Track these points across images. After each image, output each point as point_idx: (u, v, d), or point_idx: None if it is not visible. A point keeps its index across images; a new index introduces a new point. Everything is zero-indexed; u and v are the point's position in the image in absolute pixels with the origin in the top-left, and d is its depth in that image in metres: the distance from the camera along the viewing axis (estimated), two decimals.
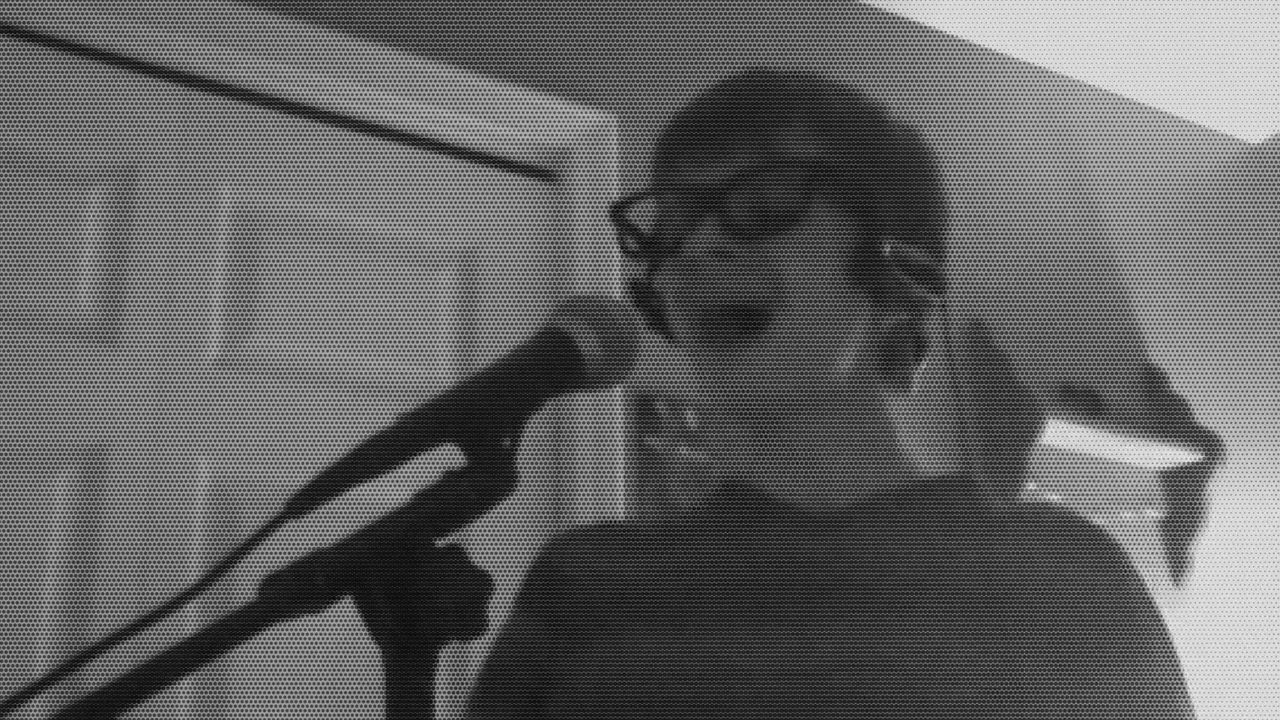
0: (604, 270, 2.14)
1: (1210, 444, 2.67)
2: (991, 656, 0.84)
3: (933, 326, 1.01)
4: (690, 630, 0.89)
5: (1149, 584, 0.95)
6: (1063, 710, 0.84)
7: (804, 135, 0.95)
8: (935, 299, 0.97)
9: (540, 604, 0.99)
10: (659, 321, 0.99)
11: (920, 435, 1.05)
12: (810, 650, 0.86)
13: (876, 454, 0.98)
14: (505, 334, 0.84)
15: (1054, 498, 2.48)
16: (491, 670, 0.99)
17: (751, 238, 0.92)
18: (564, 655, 0.93)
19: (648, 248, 0.99)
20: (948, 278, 0.99)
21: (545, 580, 1.00)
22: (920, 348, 1.02)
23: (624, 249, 1.01)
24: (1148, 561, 2.60)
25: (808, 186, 0.93)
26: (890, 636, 0.86)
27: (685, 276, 0.94)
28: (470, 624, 0.62)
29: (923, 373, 1.03)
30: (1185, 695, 0.92)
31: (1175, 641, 0.94)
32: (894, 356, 1.00)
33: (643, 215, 1.01)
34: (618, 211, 1.00)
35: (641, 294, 1.00)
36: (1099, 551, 0.94)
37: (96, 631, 1.64)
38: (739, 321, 0.92)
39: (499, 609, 0.65)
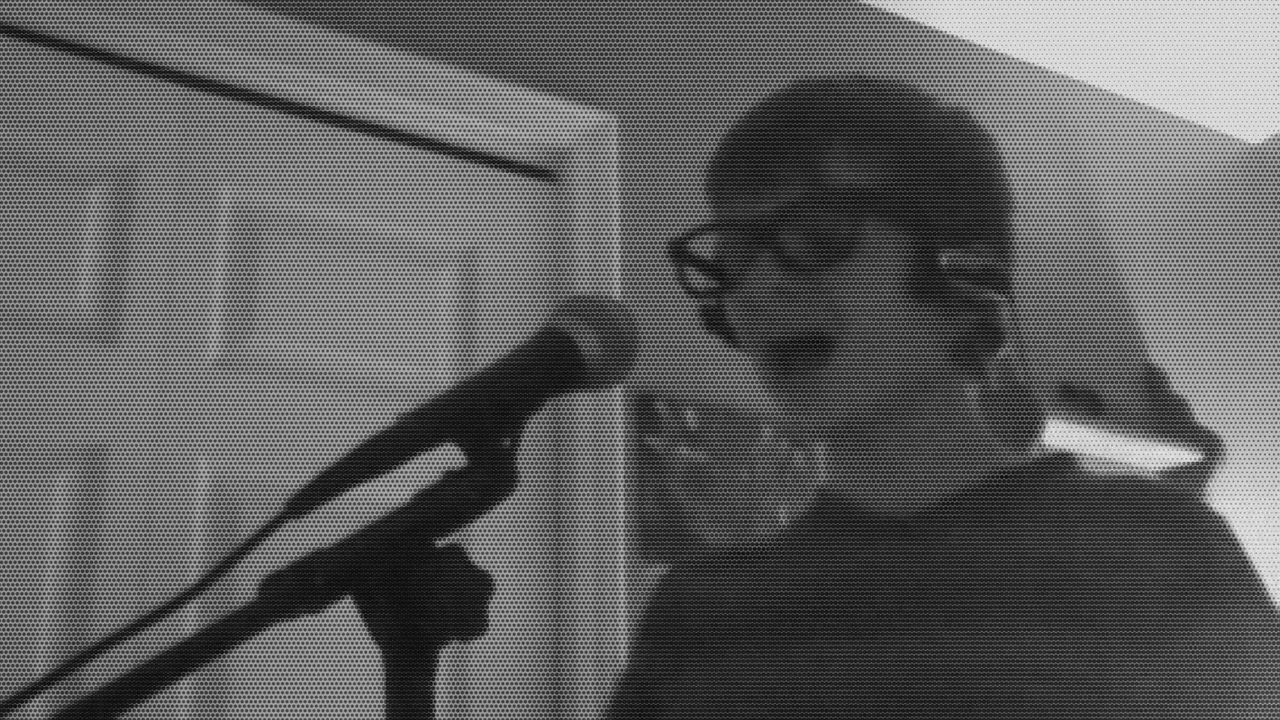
0: (604, 270, 2.14)
1: (1210, 444, 2.67)
2: (1088, 649, 0.83)
3: (1004, 317, 0.99)
4: (788, 647, 0.90)
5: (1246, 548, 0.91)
6: (1163, 696, 0.83)
7: (848, 157, 0.94)
8: (1001, 298, 0.95)
9: (660, 640, 1.01)
10: (735, 340, 1.00)
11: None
12: (902, 656, 0.86)
13: (960, 450, 0.97)
14: (505, 334, 0.84)
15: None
16: (616, 711, 1.02)
17: (807, 272, 0.92)
18: (674, 683, 0.95)
19: (713, 283, 0.99)
20: (1012, 271, 0.98)
21: (662, 616, 1.03)
22: (994, 339, 0.99)
23: (685, 287, 1.00)
24: None
25: (856, 215, 0.92)
26: (978, 637, 0.85)
27: (748, 314, 0.95)
28: (470, 624, 0.62)
29: (999, 361, 1.01)
30: None
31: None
32: (967, 352, 0.98)
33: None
34: (677, 248, 1.00)
35: (713, 319, 1.00)
36: (1194, 525, 0.90)
37: (96, 631, 1.64)
38: (804, 351, 0.93)
39: (499, 609, 0.65)
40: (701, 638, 0.96)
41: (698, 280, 1.00)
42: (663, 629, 1.02)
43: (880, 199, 0.93)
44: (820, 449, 1.03)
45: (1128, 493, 0.94)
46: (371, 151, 2.13)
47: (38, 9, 1.89)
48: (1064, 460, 0.99)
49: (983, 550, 0.90)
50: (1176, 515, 0.91)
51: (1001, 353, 1.00)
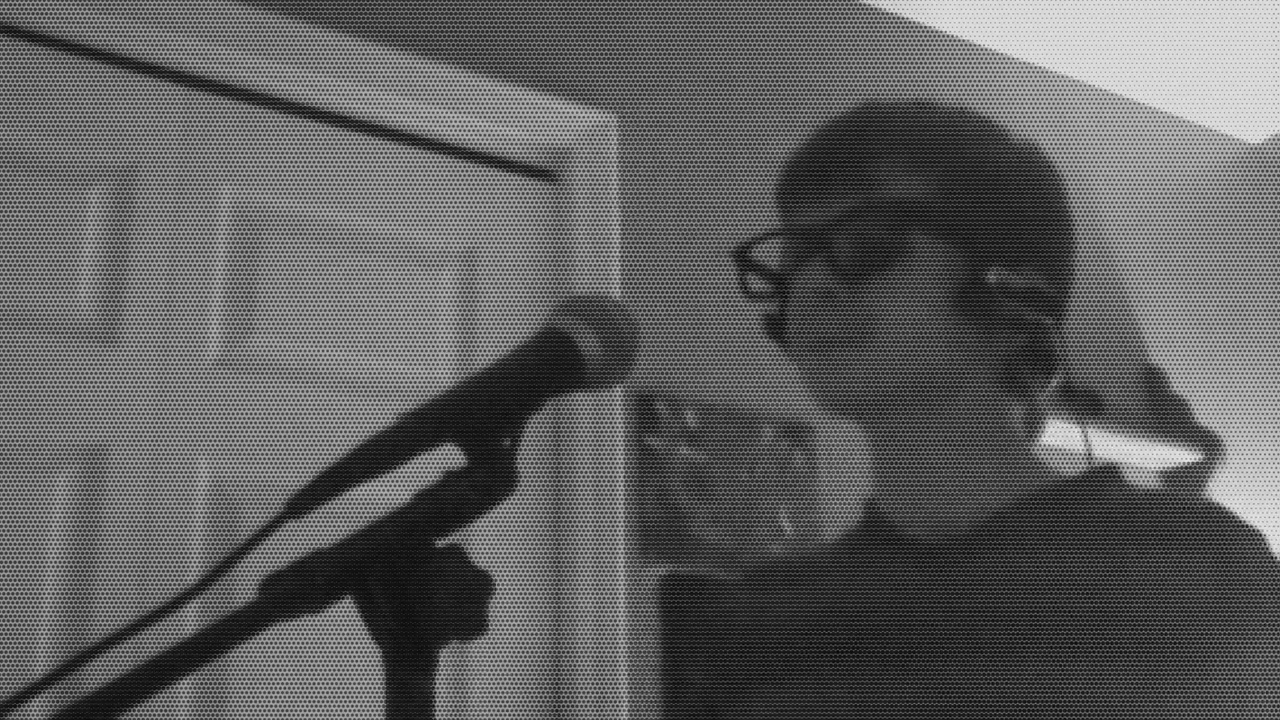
0: (604, 270, 2.14)
1: (1210, 444, 2.67)
2: (1127, 679, 0.83)
3: (1055, 343, 1.00)
4: (835, 675, 0.92)
5: None
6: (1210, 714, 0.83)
7: (903, 172, 0.97)
8: (1048, 321, 0.98)
9: (723, 659, 1.02)
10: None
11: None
12: (934, 690, 0.87)
13: (999, 471, 0.98)
14: (505, 334, 0.84)
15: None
16: None
17: (852, 277, 0.95)
18: (728, 704, 0.97)
19: (773, 288, 1.02)
20: (1065, 298, 1.00)
21: (721, 632, 1.04)
22: (1049, 364, 1.01)
23: (745, 290, 1.03)
24: None
25: (903, 226, 0.95)
26: (1014, 669, 0.85)
27: (794, 314, 0.98)
28: (470, 624, 0.62)
29: (1054, 387, 1.02)
30: None
31: None
32: (1016, 374, 1.00)
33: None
34: (741, 254, 1.03)
35: (774, 327, 1.03)
36: (1235, 546, 0.90)
37: (96, 631, 1.64)
38: (841, 351, 0.95)
39: (499, 609, 0.65)
40: (766, 663, 0.97)
41: (757, 285, 1.03)
42: (723, 646, 1.03)
43: (929, 213, 0.95)
44: (870, 461, 1.04)
45: (1166, 513, 0.94)
46: (371, 151, 2.13)
47: (38, 9, 1.89)
48: (1106, 474, 1.00)
49: (1015, 578, 0.91)
50: (1218, 536, 0.90)
51: (1055, 380, 1.02)
